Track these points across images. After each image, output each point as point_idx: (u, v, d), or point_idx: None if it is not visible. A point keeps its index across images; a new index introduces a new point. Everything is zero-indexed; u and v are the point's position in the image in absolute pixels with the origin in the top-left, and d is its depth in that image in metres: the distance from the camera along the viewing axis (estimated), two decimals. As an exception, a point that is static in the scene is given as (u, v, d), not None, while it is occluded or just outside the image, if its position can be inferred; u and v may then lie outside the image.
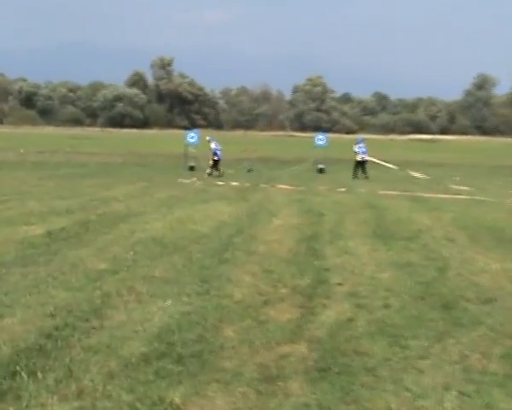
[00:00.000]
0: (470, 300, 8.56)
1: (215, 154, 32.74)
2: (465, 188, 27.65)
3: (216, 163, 32.81)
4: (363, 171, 33.51)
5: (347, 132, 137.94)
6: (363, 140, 35.38)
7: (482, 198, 23.01)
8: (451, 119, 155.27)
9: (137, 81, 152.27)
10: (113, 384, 5.54)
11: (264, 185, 27.02)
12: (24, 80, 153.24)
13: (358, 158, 33.73)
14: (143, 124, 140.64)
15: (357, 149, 34.27)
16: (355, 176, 33.15)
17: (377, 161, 35.02)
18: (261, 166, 38.94)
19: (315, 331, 7.08)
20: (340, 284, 9.26)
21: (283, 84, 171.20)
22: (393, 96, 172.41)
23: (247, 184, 27.53)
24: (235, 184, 27.78)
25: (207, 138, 34.11)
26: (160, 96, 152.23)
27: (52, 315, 7.37)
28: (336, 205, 19.47)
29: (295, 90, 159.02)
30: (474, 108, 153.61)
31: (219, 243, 12.26)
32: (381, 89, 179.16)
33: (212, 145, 32.97)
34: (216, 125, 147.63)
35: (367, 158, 33.96)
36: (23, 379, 5.56)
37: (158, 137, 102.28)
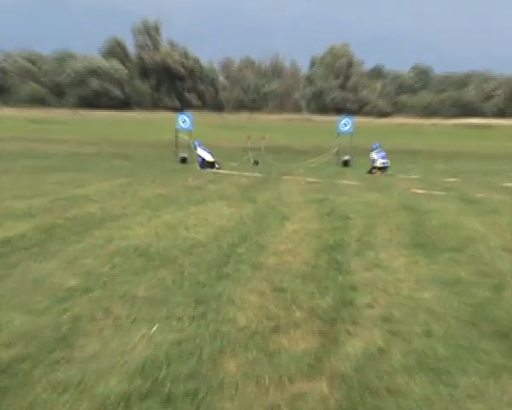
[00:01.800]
0: (533, 326, 8.54)
1: (202, 158, 33.89)
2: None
3: (211, 165, 33.58)
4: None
5: (379, 116, 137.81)
6: (380, 145, 35.49)
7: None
8: (511, 98, 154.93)
9: (116, 51, 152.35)
10: (85, 431, 5.55)
11: (275, 180, 27.03)
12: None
13: (378, 164, 33.93)
14: (123, 104, 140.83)
15: (375, 156, 34.40)
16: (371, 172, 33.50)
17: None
18: (270, 158, 38.94)
19: (338, 365, 7.08)
20: (369, 306, 9.25)
21: (299, 56, 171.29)
22: (437, 70, 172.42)
23: (253, 180, 27.54)
24: (238, 179, 27.79)
25: (193, 144, 35.32)
26: (145, 70, 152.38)
27: (9, 345, 7.38)
28: (365, 206, 19.44)
29: (314, 62, 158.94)
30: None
31: (218, 254, 12.27)
32: (421, 61, 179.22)
33: (199, 151, 34.17)
34: (214, 105, 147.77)
35: (388, 164, 34.15)
36: (-27, 424, 5.58)
37: (141, 120, 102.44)
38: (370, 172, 33.52)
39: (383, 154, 34.52)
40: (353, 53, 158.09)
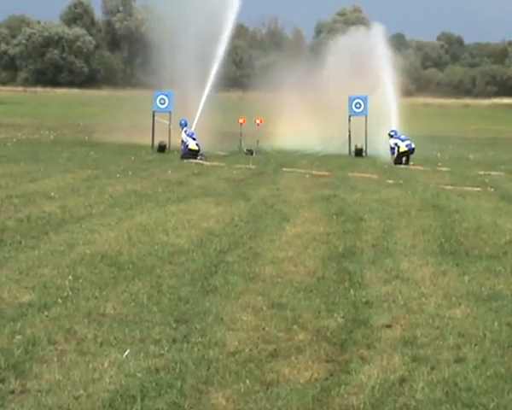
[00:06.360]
0: None
1: (185, 144, 33.63)
2: None
3: (195, 154, 33.30)
4: (407, 161, 33.69)
5: (399, 94, 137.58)
6: (397, 131, 35.39)
7: None
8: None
9: (79, 16, 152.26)
10: None
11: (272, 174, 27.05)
12: None
13: (404, 148, 33.85)
14: (89, 81, 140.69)
15: (396, 141, 34.23)
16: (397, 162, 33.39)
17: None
18: (267, 147, 38.87)
19: (350, 399, 7.07)
20: (387, 326, 9.25)
21: (303, 22, 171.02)
22: (470, 38, 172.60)
23: (247, 173, 27.53)
24: (227, 172, 27.79)
25: (180, 123, 35.23)
26: (115, 40, 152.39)
27: (-51, 373, 7.38)
28: (382, 205, 19.44)
29: (320, 29, 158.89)
30: None
31: (204, 263, 12.25)
32: (451, 29, 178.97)
33: (183, 136, 33.92)
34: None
35: (413, 146, 34.06)
36: None
37: (111, 100, 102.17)
38: (397, 162, 33.36)
39: (404, 137, 34.37)
40: (368, 18, 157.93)
